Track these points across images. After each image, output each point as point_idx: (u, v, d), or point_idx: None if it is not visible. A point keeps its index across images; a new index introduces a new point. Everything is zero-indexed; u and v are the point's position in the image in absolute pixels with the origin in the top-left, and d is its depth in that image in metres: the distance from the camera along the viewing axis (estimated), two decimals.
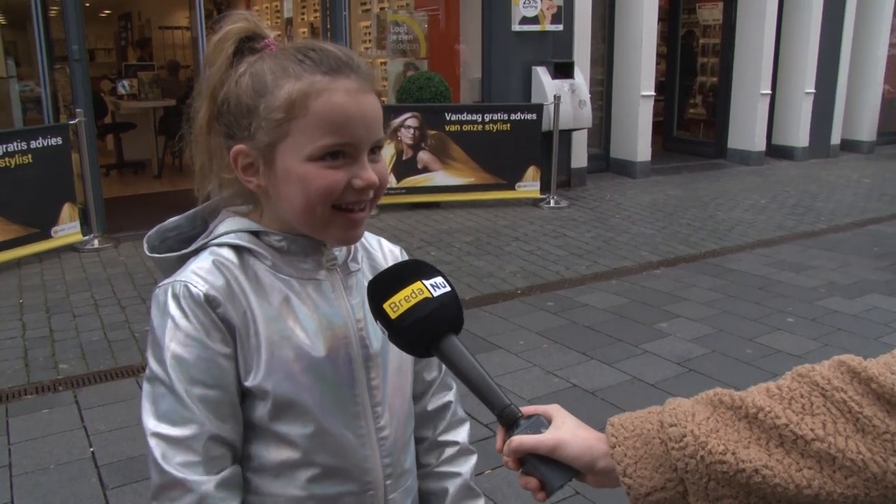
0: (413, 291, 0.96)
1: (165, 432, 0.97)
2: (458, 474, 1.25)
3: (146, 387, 1.00)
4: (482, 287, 5.20)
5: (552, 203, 7.85)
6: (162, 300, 1.00)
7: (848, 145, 11.94)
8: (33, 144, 5.81)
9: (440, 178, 7.61)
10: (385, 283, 0.98)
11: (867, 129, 11.99)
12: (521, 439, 0.93)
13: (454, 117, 7.55)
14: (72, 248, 6.16)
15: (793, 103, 10.95)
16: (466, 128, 7.58)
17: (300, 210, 1.00)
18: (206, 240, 1.05)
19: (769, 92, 10.54)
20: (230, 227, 1.05)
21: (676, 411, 0.90)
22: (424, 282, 0.97)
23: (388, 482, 1.11)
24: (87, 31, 8.08)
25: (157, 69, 11.23)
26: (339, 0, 7.69)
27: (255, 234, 1.05)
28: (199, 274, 1.00)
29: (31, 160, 5.78)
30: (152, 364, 0.99)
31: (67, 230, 6.11)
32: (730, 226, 7.18)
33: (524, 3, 8.04)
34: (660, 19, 10.06)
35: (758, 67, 10.36)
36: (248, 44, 1.02)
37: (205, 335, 0.98)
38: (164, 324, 0.99)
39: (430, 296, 0.96)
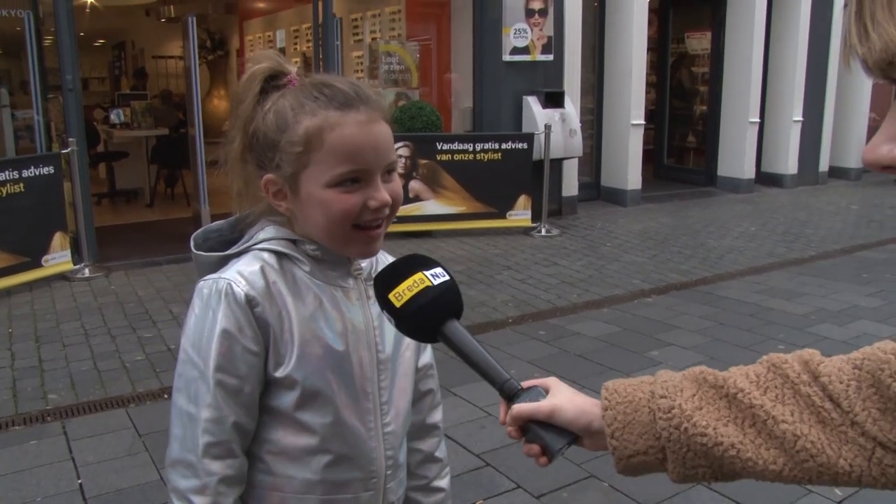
0: (415, 281, 1.05)
1: (191, 411, 1.09)
2: (441, 489, 1.41)
3: (180, 368, 1.12)
4: (473, 316, 5.20)
5: (543, 232, 7.88)
6: (206, 294, 1.11)
7: (836, 172, 12.06)
8: (25, 173, 5.81)
9: (431, 206, 7.64)
10: (389, 276, 1.07)
11: (855, 157, 12.11)
12: (520, 406, 1.02)
13: (445, 146, 7.60)
14: (62, 277, 6.14)
15: (781, 131, 11.07)
16: (458, 157, 7.62)
17: (323, 230, 1.12)
18: (248, 244, 1.16)
19: (758, 120, 10.66)
20: (272, 235, 1.16)
21: (667, 384, 0.97)
22: (425, 272, 1.06)
23: (389, 472, 1.24)
24: (81, 60, 8.13)
25: (151, 98, 11.28)
26: (331, 30, 7.77)
27: (293, 242, 1.16)
28: (244, 275, 1.11)
29: (22, 189, 5.78)
30: (188, 348, 1.11)
31: (58, 259, 6.09)
32: (720, 253, 7.22)
33: (515, 33, 8.14)
34: (649, 49, 10.19)
35: (746, 96, 10.48)
36: (272, 82, 1.14)
37: (238, 331, 1.09)
38: (205, 315, 1.10)
39: (430, 284, 1.05)
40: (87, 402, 3.94)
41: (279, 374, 1.12)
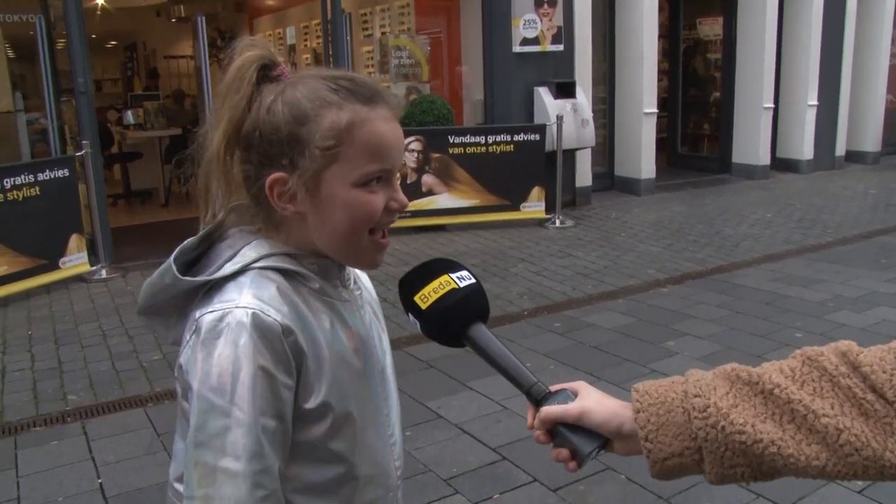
0: (441, 283, 1.04)
1: (229, 467, 0.94)
2: None
3: (198, 419, 0.95)
4: None
5: (557, 223, 7.86)
6: (222, 327, 0.96)
7: (853, 156, 11.93)
8: (41, 177, 5.86)
9: (445, 200, 7.64)
10: (415, 278, 1.06)
11: (871, 140, 11.98)
12: (549, 409, 1.00)
13: (457, 140, 7.58)
14: (80, 278, 6.19)
15: (796, 116, 10.96)
16: (470, 150, 7.61)
17: (343, 234, 1.03)
18: (243, 263, 1.02)
19: (772, 105, 10.56)
20: (268, 250, 1.04)
21: (700, 383, 0.95)
22: (451, 275, 1.05)
23: (399, 483, 1.20)
24: (94, 62, 8.18)
25: (163, 98, 11.34)
26: (340, 26, 7.76)
27: (291, 256, 1.05)
28: (266, 300, 0.99)
29: (38, 192, 5.83)
30: (209, 395, 0.95)
31: (75, 261, 6.15)
32: (736, 241, 7.17)
33: (524, 24, 8.11)
34: (660, 36, 10.11)
35: (760, 81, 10.38)
36: (264, 72, 1.04)
37: (274, 366, 0.97)
38: (229, 352, 0.95)
39: (456, 286, 1.04)
40: (106, 403, 3.98)
41: (309, 405, 1.02)
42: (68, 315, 5.40)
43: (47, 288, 5.95)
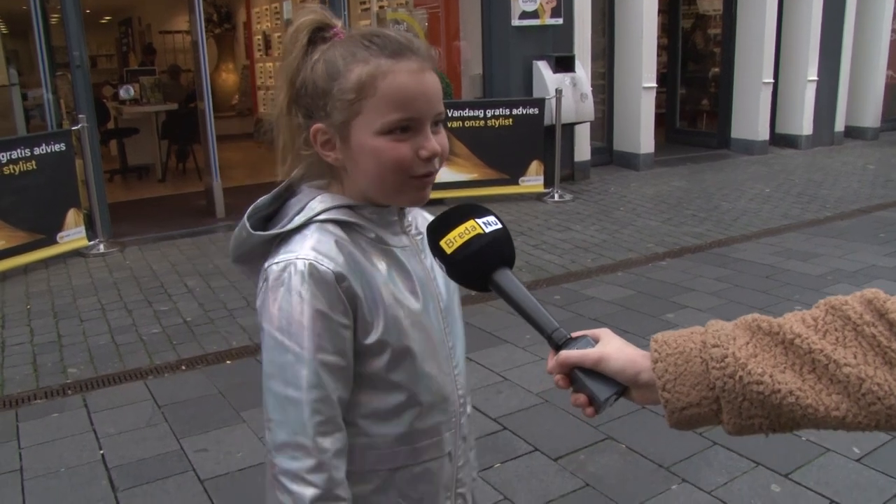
0: (466, 228, 1.06)
1: (293, 395, 1.08)
2: None
3: (269, 354, 1.10)
4: None
5: (556, 197, 7.84)
6: (286, 276, 1.09)
7: (852, 132, 11.89)
8: (37, 151, 5.83)
9: (443, 174, 7.51)
10: (442, 223, 1.09)
11: (871, 116, 11.94)
12: (568, 353, 1.01)
13: (456, 114, 7.54)
14: (78, 253, 6.17)
15: (796, 91, 10.91)
16: (469, 124, 7.57)
17: (374, 178, 1.13)
18: (307, 216, 1.13)
19: (772, 81, 10.50)
20: (329, 204, 1.15)
21: (719, 333, 0.94)
22: (477, 220, 1.07)
23: (462, 409, 1.29)
24: (89, 38, 8.10)
25: (159, 74, 11.25)
26: (337, 0, 7.68)
27: (350, 208, 1.16)
28: (322, 251, 1.10)
29: (35, 167, 5.80)
30: (276, 334, 1.09)
31: (73, 236, 6.13)
32: (735, 216, 7.16)
33: None
34: (660, 11, 10.03)
35: (759, 56, 10.32)
36: (319, 33, 1.14)
37: (330, 309, 1.09)
38: (291, 298, 1.08)
39: (482, 232, 1.06)
40: (106, 376, 3.98)
41: (368, 341, 1.14)
42: (67, 289, 5.39)
43: (45, 263, 5.94)
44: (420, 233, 1.27)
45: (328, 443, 1.10)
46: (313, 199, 1.15)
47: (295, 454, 1.08)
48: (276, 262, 1.11)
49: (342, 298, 1.10)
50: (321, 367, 1.09)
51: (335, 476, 1.10)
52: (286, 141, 1.18)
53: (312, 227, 1.13)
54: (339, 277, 1.10)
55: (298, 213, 1.15)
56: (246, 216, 1.16)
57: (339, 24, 1.15)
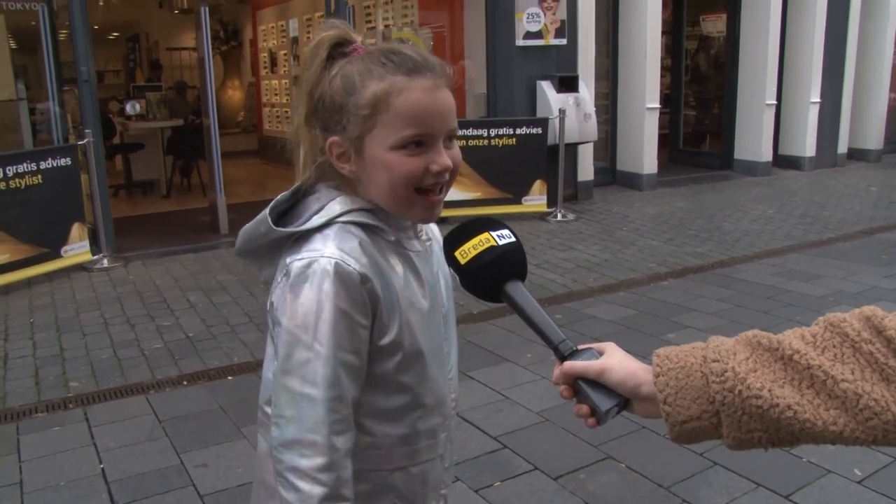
0: (481, 240, 1.10)
1: (309, 392, 1.09)
2: None
3: (285, 350, 1.11)
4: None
5: (559, 216, 7.86)
6: (309, 273, 1.10)
7: (855, 154, 11.91)
8: (43, 165, 5.86)
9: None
10: (458, 234, 1.12)
11: (874, 138, 11.97)
12: (572, 364, 1.04)
13: (460, 133, 7.39)
14: (81, 267, 6.19)
15: (799, 113, 10.95)
16: (472, 143, 7.60)
17: (386, 192, 1.15)
18: (329, 216, 1.15)
19: (775, 102, 10.55)
20: (350, 206, 1.16)
21: (720, 349, 0.96)
22: (492, 232, 1.11)
23: (453, 413, 1.34)
24: (96, 54, 8.18)
25: (165, 90, 11.33)
26: (343, 18, 7.75)
27: (370, 211, 1.18)
28: (346, 251, 1.12)
29: (40, 181, 5.83)
30: (295, 330, 1.10)
31: (77, 250, 6.15)
32: (737, 236, 7.17)
33: (528, 18, 8.10)
34: (664, 32, 10.10)
35: (763, 78, 10.36)
36: (339, 49, 1.16)
37: (352, 308, 1.10)
38: (313, 295, 1.09)
39: (495, 244, 1.09)
40: (107, 390, 3.99)
41: (383, 342, 1.16)
42: (70, 303, 5.40)
43: (49, 276, 5.96)
44: (430, 238, 1.31)
45: (340, 442, 1.11)
46: (333, 199, 1.17)
47: (305, 451, 1.08)
48: (300, 259, 1.12)
49: (364, 299, 1.12)
50: (341, 366, 1.10)
51: (343, 476, 1.11)
52: (307, 151, 1.21)
53: (335, 227, 1.15)
54: (364, 278, 1.11)
55: (317, 212, 1.16)
56: (268, 210, 1.18)
57: (358, 39, 1.18)
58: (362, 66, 1.13)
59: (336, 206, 1.16)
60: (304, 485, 1.08)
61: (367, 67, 1.13)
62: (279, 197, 1.21)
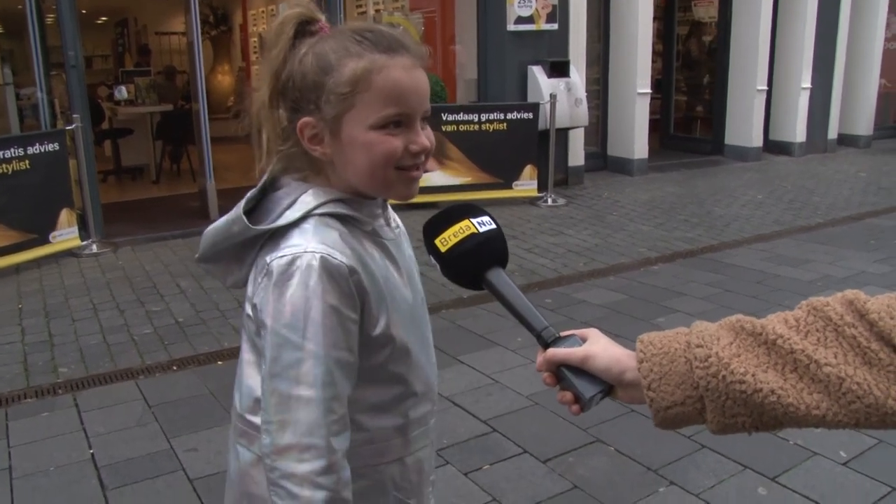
0: (461, 227, 1.09)
1: (303, 394, 1.04)
2: None
3: (274, 352, 1.06)
4: None
5: (549, 201, 7.86)
6: (293, 270, 1.05)
7: (845, 140, 11.95)
8: (30, 150, 5.82)
9: (437, 178, 7.62)
10: (437, 222, 1.11)
11: (864, 124, 12.00)
12: (555, 351, 1.04)
13: (451, 118, 7.56)
14: (70, 253, 6.16)
15: (789, 99, 10.96)
16: (463, 128, 7.59)
17: (364, 172, 1.11)
18: (304, 210, 1.10)
19: (765, 88, 10.55)
20: (323, 198, 1.12)
21: (703, 334, 0.96)
22: (472, 219, 1.10)
23: (437, 397, 1.33)
24: (84, 39, 8.10)
25: (154, 75, 11.24)
26: (334, 3, 7.70)
27: (343, 201, 1.14)
28: (330, 244, 1.08)
29: (28, 166, 5.79)
30: (283, 330, 1.05)
31: (66, 235, 6.12)
32: (727, 221, 7.19)
33: (519, 2, 8.06)
34: (655, 17, 10.07)
35: (754, 63, 10.36)
36: (305, 27, 1.13)
37: (340, 304, 1.07)
38: (301, 292, 1.05)
39: (476, 231, 1.09)
40: (97, 375, 3.98)
41: (374, 334, 1.13)
42: (59, 289, 5.38)
43: (37, 262, 5.93)
44: (398, 225, 1.29)
45: (338, 442, 1.06)
46: (304, 192, 1.13)
47: (303, 456, 1.03)
48: (281, 256, 1.07)
49: (353, 292, 1.08)
50: (335, 364, 1.06)
51: (343, 477, 1.07)
52: (270, 134, 1.16)
53: (312, 221, 1.10)
54: (352, 271, 1.08)
55: (289, 206, 1.12)
56: (242, 209, 1.13)
57: (323, 18, 1.15)
58: (336, 43, 1.10)
59: (309, 199, 1.12)
60: (303, 491, 1.02)
61: (342, 45, 1.09)
62: (249, 194, 1.16)
